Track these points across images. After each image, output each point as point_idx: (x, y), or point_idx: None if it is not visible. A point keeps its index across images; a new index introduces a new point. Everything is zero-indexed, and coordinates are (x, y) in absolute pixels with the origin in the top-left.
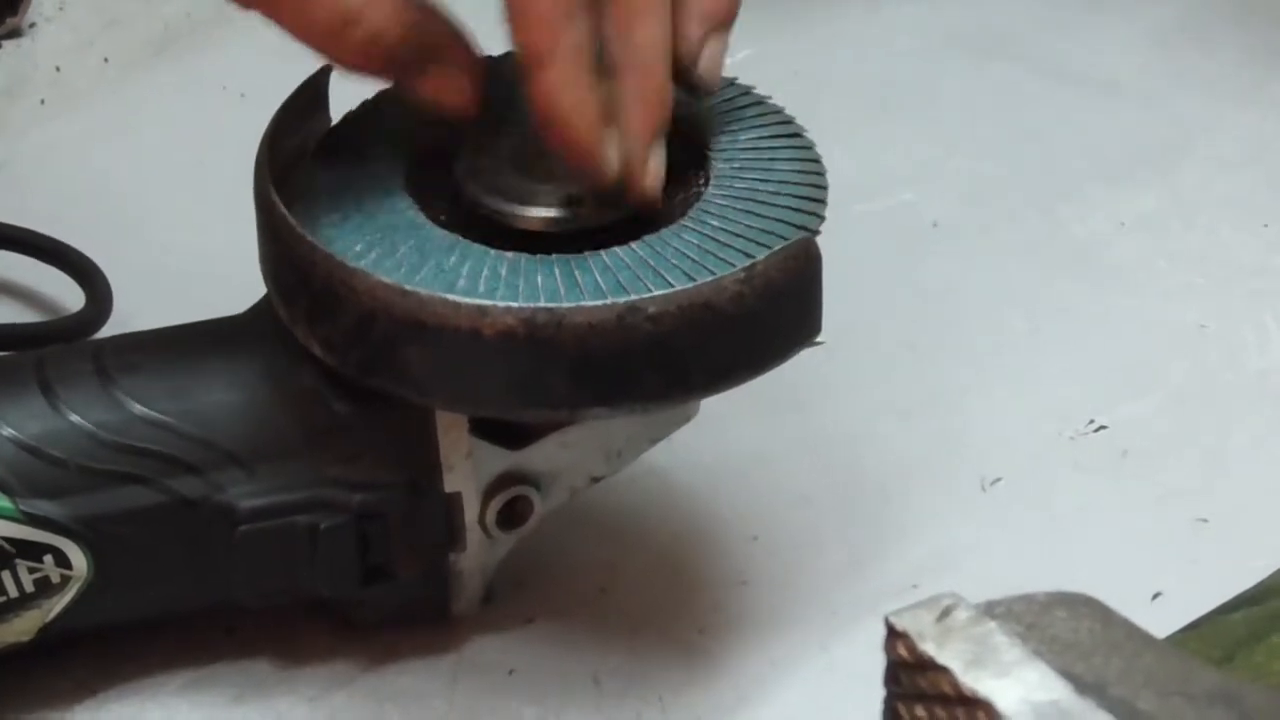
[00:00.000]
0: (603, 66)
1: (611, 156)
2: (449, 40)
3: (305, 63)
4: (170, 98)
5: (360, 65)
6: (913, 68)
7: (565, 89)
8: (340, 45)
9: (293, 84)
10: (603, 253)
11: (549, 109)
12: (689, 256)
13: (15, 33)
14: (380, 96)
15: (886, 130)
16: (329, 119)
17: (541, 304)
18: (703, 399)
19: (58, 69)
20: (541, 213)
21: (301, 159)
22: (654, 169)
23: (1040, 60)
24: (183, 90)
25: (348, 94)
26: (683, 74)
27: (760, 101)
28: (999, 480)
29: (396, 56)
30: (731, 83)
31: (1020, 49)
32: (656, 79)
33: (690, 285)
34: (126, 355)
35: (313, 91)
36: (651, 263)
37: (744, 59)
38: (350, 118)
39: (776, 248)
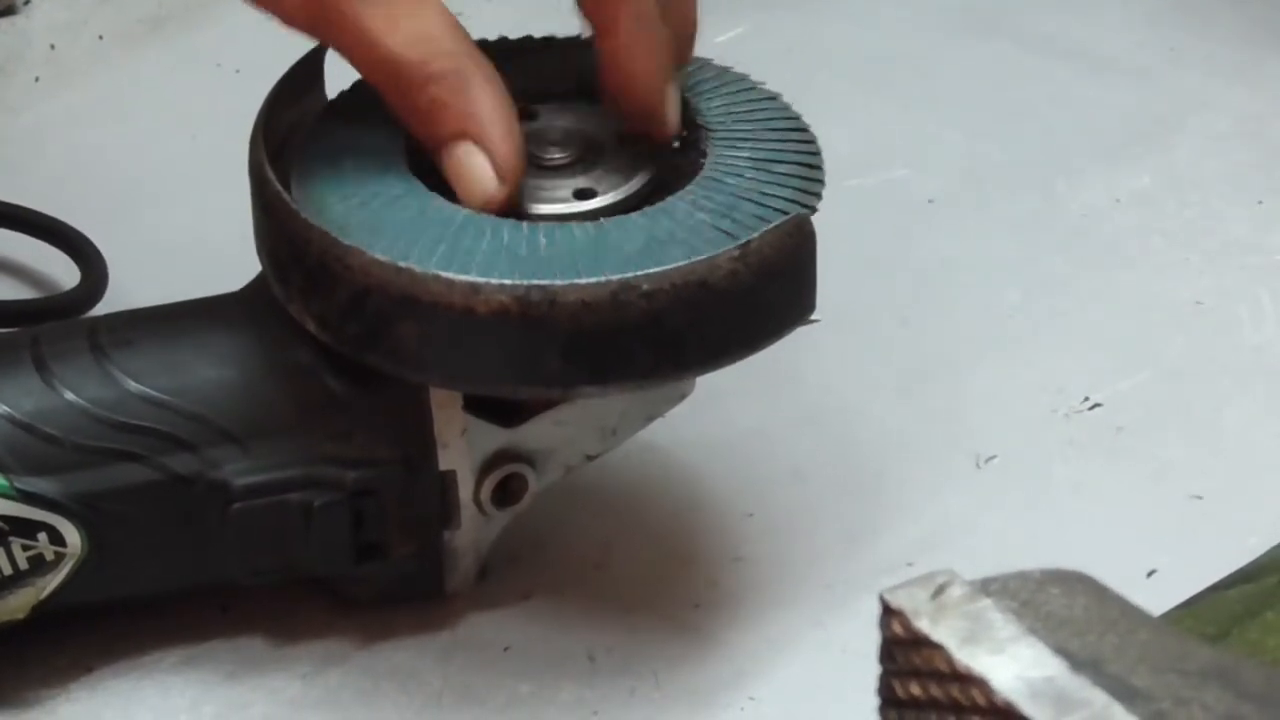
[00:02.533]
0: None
1: (673, 115)
2: (494, 112)
3: (301, 39)
4: (165, 75)
5: (404, 114)
6: (908, 43)
7: (632, 55)
8: (388, 87)
9: (288, 60)
10: (597, 229)
11: (616, 74)
12: (683, 234)
13: (10, 10)
14: None
15: (881, 106)
16: (325, 95)
17: (535, 281)
18: (697, 377)
19: (52, 46)
20: (535, 208)
21: (297, 135)
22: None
23: (1035, 36)
24: (178, 67)
25: (345, 72)
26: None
27: (753, 85)
28: (994, 457)
29: (435, 114)
30: (716, 64)
31: (1015, 25)
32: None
33: (685, 263)
34: (121, 332)
35: (309, 68)
36: (645, 239)
37: (737, 35)
38: (346, 94)
39: (771, 225)
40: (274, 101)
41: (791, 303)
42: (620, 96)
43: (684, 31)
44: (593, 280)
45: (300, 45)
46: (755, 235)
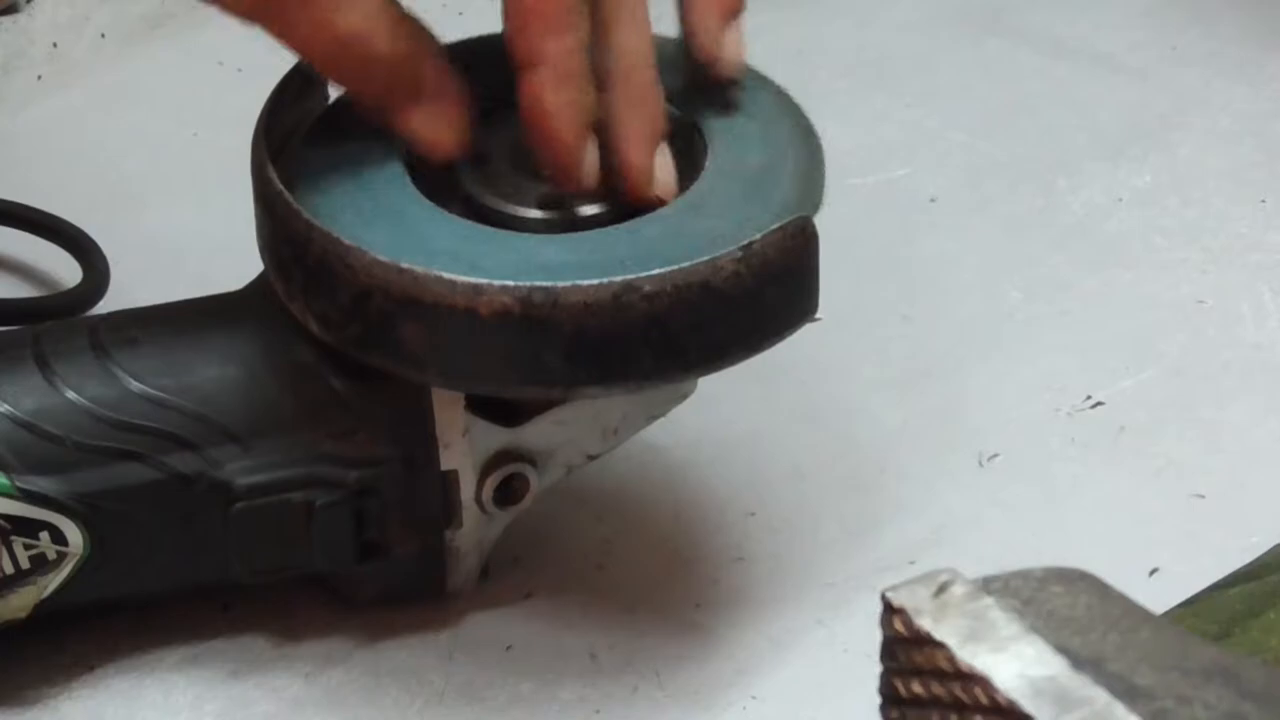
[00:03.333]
0: (596, 78)
1: (589, 162)
2: (440, 76)
3: None
4: (167, 73)
5: (355, 89)
6: (910, 42)
7: (550, 91)
8: (338, 67)
9: (290, 60)
10: (599, 231)
11: (532, 110)
12: (686, 235)
13: (12, 8)
14: None
15: (883, 104)
16: (327, 94)
17: (537, 283)
18: (699, 378)
19: (55, 45)
20: (536, 213)
21: (299, 134)
22: (661, 174)
23: (1037, 35)
24: (179, 65)
25: None
26: (709, 67)
27: (759, 79)
28: (996, 456)
29: (388, 85)
30: None
31: (1017, 23)
32: (641, 84)
33: (687, 264)
34: (123, 331)
35: (311, 68)
36: (648, 240)
37: None
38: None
39: (774, 227)
40: (276, 100)
41: (793, 304)
42: (535, 148)
43: (626, 71)
44: (595, 281)
45: None
46: (757, 237)
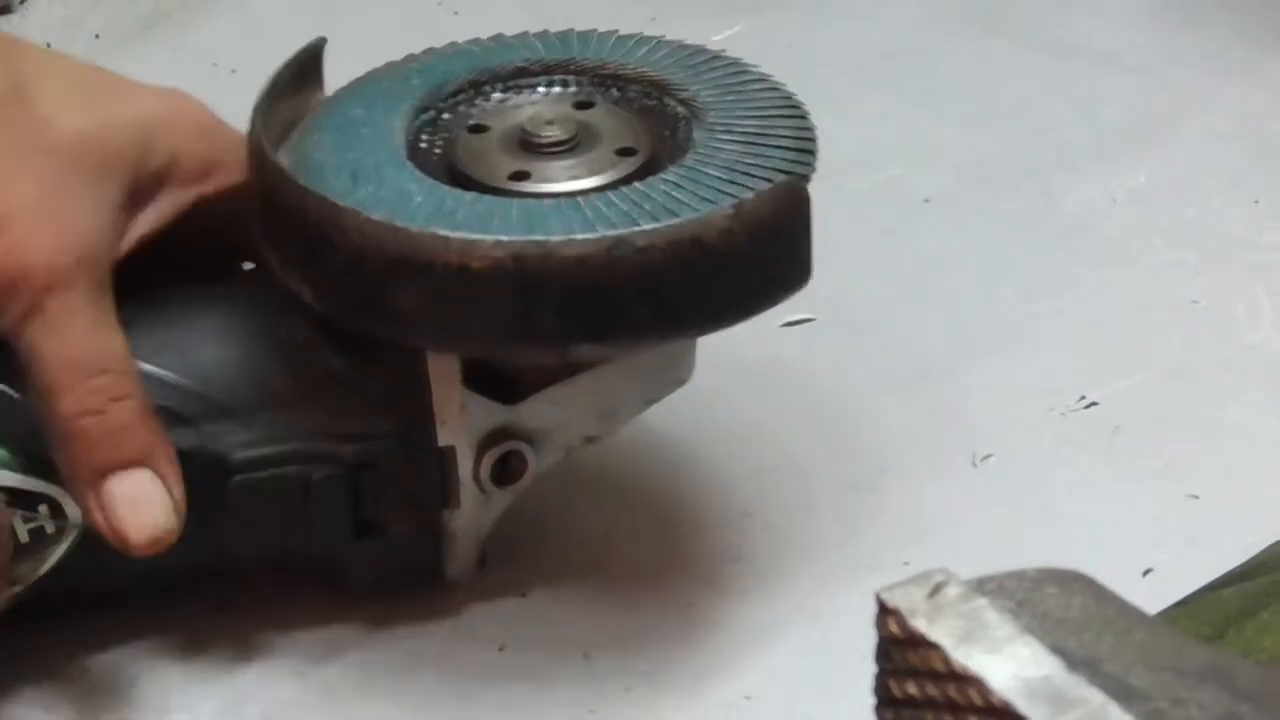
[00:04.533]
0: None
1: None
2: (151, 443)
3: (296, 40)
4: (161, 74)
5: (73, 437)
6: (906, 41)
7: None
8: (66, 405)
9: (286, 58)
10: (596, 196)
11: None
12: (678, 198)
13: (6, 9)
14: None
15: (880, 104)
16: (323, 89)
17: (530, 237)
18: (693, 338)
19: (49, 45)
20: (535, 187)
21: (297, 127)
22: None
23: (1034, 34)
24: (173, 66)
25: (346, 71)
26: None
27: (746, 68)
28: (990, 456)
29: (114, 440)
30: (709, 49)
31: (1014, 22)
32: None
33: (679, 220)
34: (122, 309)
35: (309, 63)
36: (641, 202)
37: (738, 32)
38: (349, 87)
39: (765, 188)
40: (275, 81)
41: (786, 267)
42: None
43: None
44: (588, 235)
45: (296, 45)
46: (750, 195)
